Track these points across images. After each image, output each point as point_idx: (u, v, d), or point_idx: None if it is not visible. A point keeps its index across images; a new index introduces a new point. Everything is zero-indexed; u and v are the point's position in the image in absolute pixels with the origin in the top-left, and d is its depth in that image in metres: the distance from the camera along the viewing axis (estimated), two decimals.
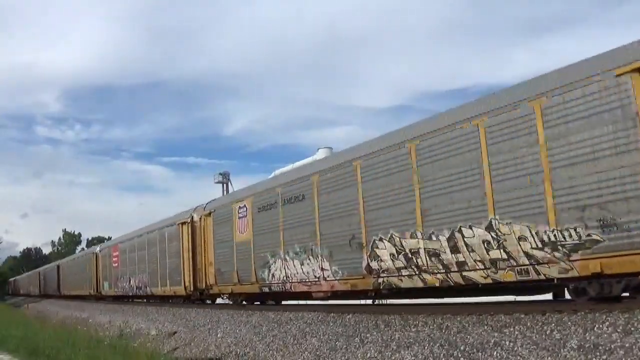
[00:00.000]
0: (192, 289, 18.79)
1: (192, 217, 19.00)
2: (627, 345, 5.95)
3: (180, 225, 19.80)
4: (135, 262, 25.09)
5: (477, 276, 9.01)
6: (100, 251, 32.70)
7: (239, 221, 15.51)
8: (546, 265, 7.98)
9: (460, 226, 9.12)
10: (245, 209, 15.29)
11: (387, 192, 10.61)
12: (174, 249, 20.22)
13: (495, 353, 7.01)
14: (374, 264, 10.77)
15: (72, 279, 39.99)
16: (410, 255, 10.01)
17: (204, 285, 17.77)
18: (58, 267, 46.20)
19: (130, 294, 26.55)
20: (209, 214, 17.52)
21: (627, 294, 7.57)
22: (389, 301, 13.38)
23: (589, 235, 7.39)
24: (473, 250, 8.94)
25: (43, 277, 54.18)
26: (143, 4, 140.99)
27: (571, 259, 7.63)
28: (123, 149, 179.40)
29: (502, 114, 8.60)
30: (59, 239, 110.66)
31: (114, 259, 28.86)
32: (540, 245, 8.01)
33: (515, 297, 10.43)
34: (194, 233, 18.80)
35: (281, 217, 13.58)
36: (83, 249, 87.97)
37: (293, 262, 13.02)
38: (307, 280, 12.61)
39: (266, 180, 15.77)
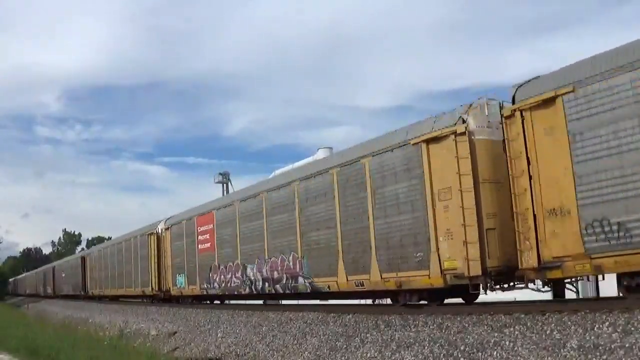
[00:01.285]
0: (476, 272, 8.80)
1: (467, 122, 9.22)
2: (627, 345, 5.95)
3: (422, 145, 9.81)
4: (264, 237, 14.58)
5: None
6: (166, 228, 21.30)
7: None
8: None
9: None
10: None
11: None
12: (398, 197, 10.35)
13: (495, 353, 7.02)
14: None
15: (108, 274, 29.85)
16: None
17: (542, 258, 8.03)
18: (83, 259, 36.17)
19: (247, 291, 15.59)
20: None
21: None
22: (389, 301, 13.37)
23: None
24: None
25: (59, 274, 45.03)
26: (143, 4, 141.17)
27: None
28: (123, 149, 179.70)
29: None
30: (59, 239, 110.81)
31: (200, 238, 18.43)
32: None
33: (515, 297, 10.42)
34: (474, 158, 9.10)
35: None
36: (83, 248, 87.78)
37: None
38: None
39: None
